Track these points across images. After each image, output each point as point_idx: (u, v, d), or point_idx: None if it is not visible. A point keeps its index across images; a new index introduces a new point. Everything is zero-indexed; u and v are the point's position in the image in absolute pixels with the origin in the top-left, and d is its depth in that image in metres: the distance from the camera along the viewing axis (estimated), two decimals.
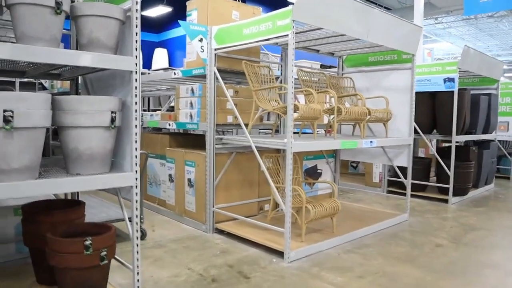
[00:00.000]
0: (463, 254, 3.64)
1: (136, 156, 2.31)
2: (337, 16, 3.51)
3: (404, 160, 4.81)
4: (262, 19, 3.46)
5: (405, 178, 4.80)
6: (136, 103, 2.28)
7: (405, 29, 4.41)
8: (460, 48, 20.99)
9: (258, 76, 4.00)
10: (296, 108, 3.42)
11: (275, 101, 4.05)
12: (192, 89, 4.32)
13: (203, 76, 4.20)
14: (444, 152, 5.97)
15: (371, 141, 4.06)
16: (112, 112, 2.19)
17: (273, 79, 4.12)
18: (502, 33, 17.77)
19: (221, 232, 4.07)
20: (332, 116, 4.14)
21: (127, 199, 2.42)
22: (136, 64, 2.28)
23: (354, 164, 8.23)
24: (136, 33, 2.27)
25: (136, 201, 2.32)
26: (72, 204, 2.74)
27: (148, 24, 13.51)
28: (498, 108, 7.24)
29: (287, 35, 3.23)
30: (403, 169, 4.93)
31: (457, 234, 4.26)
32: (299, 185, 4.17)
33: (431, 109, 5.98)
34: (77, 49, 2.85)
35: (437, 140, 7.56)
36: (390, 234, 4.18)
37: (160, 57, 13.35)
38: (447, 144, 7.28)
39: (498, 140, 7.47)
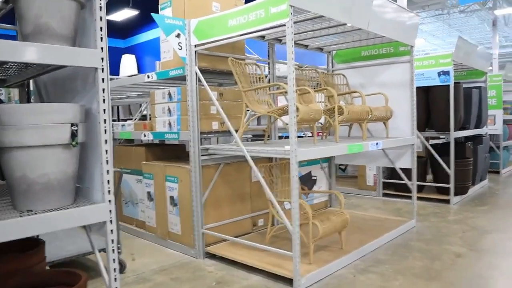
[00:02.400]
0: (489, 263, 3.23)
1: (108, 181, 1.74)
2: (340, 2, 3.04)
3: (407, 161, 4.39)
4: (252, 6, 2.94)
5: (408, 179, 4.39)
6: (104, 110, 1.72)
7: (404, 18, 4.00)
8: (431, 44, 21.16)
9: (246, 76, 3.48)
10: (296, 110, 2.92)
11: (267, 103, 3.54)
12: (170, 94, 3.76)
13: (181, 78, 3.65)
14: (437, 150, 5.61)
15: (376, 143, 3.60)
16: (72, 125, 1.63)
17: (262, 78, 3.62)
18: (471, 28, 17.94)
19: (212, 256, 3.52)
20: (331, 117, 3.67)
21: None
22: (102, 59, 1.72)
23: (343, 167, 7.82)
24: (101, 18, 1.71)
25: (112, 241, 1.75)
26: (28, 245, 2.13)
27: (113, 30, 12.77)
28: (487, 102, 7.00)
29: (284, 24, 2.73)
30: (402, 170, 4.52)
31: (472, 239, 3.86)
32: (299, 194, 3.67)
33: (425, 105, 5.63)
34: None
35: (426, 138, 7.25)
36: (402, 245, 3.73)
37: (128, 63, 12.62)
38: (435, 141, 6.97)
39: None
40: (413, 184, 4.35)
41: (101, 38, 1.72)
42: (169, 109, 3.78)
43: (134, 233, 4.29)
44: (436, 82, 5.35)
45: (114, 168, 2.85)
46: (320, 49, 4.81)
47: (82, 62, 1.67)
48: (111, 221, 1.75)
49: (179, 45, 3.43)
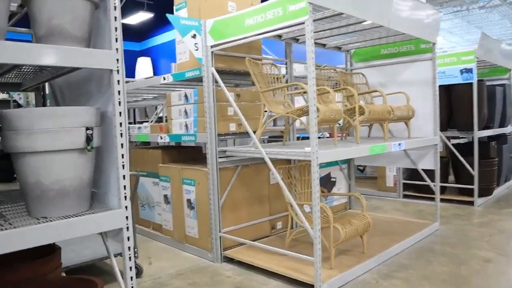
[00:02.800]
0: None
1: (124, 186, 1.68)
2: None
3: (430, 162, 4.25)
4: (269, 5, 2.86)
5: (431, 181, 4.25)
6: (120, 113, 1.66)
7: (426, 14, 3.87)
8: (449, 42, 20.72)
9: (264, 76, 3.40)
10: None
11: (285, 103, 3.46)
12: (186, 95, 3.70)
13: (198, 79, 3.60)
14: (460, 150, 5.43)
15: (399, 144, 3.48)
16: (87, 128, 1.57)
17: (280, 78, 3.53)
18: (491, 24, 17.50)
19: (230, 260, 3.45)
20: (351, 117, 3.57)
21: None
22: (117, 60, 1.67)
23: (361, 168, 7.67)
24: (116, 18, 1.66)
25: (129, 248, 1.69)
26: (42, 251, 2.09)
27: (129, 33, 12.85)
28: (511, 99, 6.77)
29: (302, 22, 2.65)
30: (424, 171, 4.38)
31: (501, 244, 3.71)
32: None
33: (446, 104, 5.46)
34: None
35: (447, 138, 7.06)
36: (426, 249, 3.60)
37: (144, 66, 12.69)
38: (457, 141, 6.77)
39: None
40: (436, 185, 4.20)
41: (116, 39, 1.66)
42: (185, 111, 3.73)
43: (151, 236, 4.25)
44: (459, 80, 5.18)
45: (130, 171, 2.79)
46: (338, 48, 4.70)
47: (97, 64, 1.62)
48: (127, 227, 1.69)
49: (195, 46, 3.37)
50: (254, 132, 3.31)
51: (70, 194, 1.58)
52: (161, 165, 4.02)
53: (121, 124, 1.66)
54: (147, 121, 8.68)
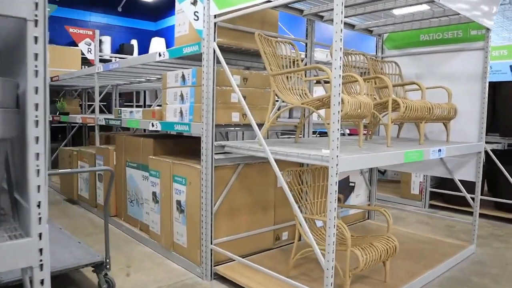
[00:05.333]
0: None
1: (39, 204, 1.08)
2: None
3: (470, 172, 3.56)
4: None
5: (467, 192, 3.57)
6: (37, 89, 1.06)
7: None
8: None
9: (277, 57, 2.76)
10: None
11: (302, 92, 2.81)
12: (183, 76, 3.09)
13: (198, 57, 2.98)
14: (499, 158, 4.69)
15: (439, 150, 2.81)
16: None
17: (298, 61, 2.89)
18: None
19: (222, 278, 2.86)
20: (383, 113, 2.91)
21: None
22: (36, 5, 1.05)
23: (382, 169, 6.98)
24: None
25: None
26: None
27: (143, 12, 12.27)
28: None
29: None
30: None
31: None
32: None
33: (490, 105, 4.72)
34: None
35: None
36: (461, 281, 2.94)
37: (158, 47, 12.10)
38: (493, 147, 6.01)
39: None
40: (476, 201, 3.52)
41: None
42: (181, 95, 3.12)
43: (137, 238, 3.69)
44: (508, 77, 4.44)
45: (105, 166, 2.21)
46: (369, 31, 4.01)
47: (2, 10, 1.01)
48: (41, 265, 1.10)
49: (195, 15, 2.75)
50: (262, 125, 2.68)
51: None
52: (151, 157, 3.43)
53: (36, 106, 1.06)
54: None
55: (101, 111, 7.78)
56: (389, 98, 2.72)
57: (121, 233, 3.87)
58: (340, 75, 1.93)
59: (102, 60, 8.69)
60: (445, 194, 5.06)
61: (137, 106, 10.24)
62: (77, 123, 5.56)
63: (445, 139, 3.53)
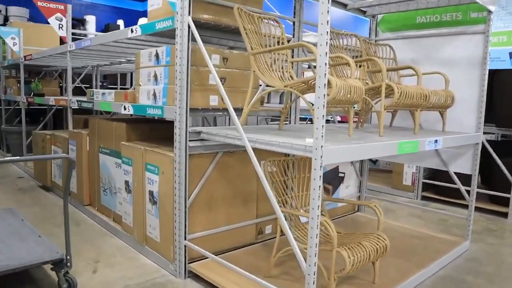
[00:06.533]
0: None
1: None
2: None
3: (466, 164, 3.34)
4: None
5: (462, 184, 3.36)
6: None
7: None
8: None
9: (260, 35, 2.49)
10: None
11: (287, 74, 2.55)
12: (157, 54, 2.80)
13: (173, 34, 2.69)
14: (494, 149, 4.48)
15: (435, 141, 2.57)
16: None
17: (283, 40, 2.61)
18: None
19: (197, 276, 2.62)
20: (376, 100, 2.66)
21: None
22: None
23: (374, 158, 6.77)
24: None
25: None
26: None
27: None
28: None
29: None
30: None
31: None
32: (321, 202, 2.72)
33: (486, 93, 4.49)
34: None
35: None
36: (455, 280, 2.74)
37: None
38: (488, 137, 5.81)
39: None
40: (472, 194, 3.31)
41: None
42: (155, 75, 2.84)
43: (110, 229, 3.43)
44: (507, 64, 4.20)
45: (63, 154, 1.97)
46: (363, 11, 3.74)
47: None
48: None
49: None
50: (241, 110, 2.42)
51: None
52: (123, 143, 3.16)
53: None
54: None
55: (83, 93, 7.43)
56: (382, 82, 2.47)
57: (95, 224, 3.61)
58: (326, 53, 1.66)
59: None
60: (438, 185, 4.86)
61: (122, 89, 9.88)
62: (50, 105, 5.24)
63: (440, 129, 3.30)
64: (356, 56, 3.28)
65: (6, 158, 1.93)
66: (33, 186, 4.91)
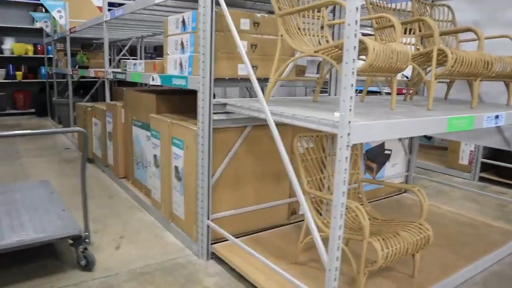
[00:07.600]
0: None
1: None
2: None
3: None
4: None
5: None
6: None
7: None
8: None
9: None
10: (362, 49, 1.64)
11: (322, 38, 2.25)
12: (184, 20, 2.60)
13: None
14: None
15: (496, 116, 2.19)
16: None
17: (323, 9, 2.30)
18: None
19: (221, 258, 2.48)
20: (425, 67, 2.30)
21: None
22: None
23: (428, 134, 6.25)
24: None
25: None
26: None
27: None
28: None
29: None
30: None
31: None
32: (358, 184, 2.45)
33: None
34: None
35: None
36: (510, 278, 2.39)
37: None
38: None
39: None
40: None
41: None
42: (182, 43, 2.65)
43: (140, 204, 3.38)
44: None
45: (78, 128, 1.90)
46: None
47: None
48: None
49: None
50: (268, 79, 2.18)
51: None
52: (152, 115, 3.04)
53: None
54: None
55: None
56: (434, 47, 2.10)
57: (127, 198, 3.58)
58: (357, 8, 1.37)
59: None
60: (499, 166, 4.36)
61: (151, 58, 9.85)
62: (93, 77, 5.26)
63: (504, 102, 2.86)
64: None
65: (4, 133, 1.84)
66: (77, 157, 5.00)
